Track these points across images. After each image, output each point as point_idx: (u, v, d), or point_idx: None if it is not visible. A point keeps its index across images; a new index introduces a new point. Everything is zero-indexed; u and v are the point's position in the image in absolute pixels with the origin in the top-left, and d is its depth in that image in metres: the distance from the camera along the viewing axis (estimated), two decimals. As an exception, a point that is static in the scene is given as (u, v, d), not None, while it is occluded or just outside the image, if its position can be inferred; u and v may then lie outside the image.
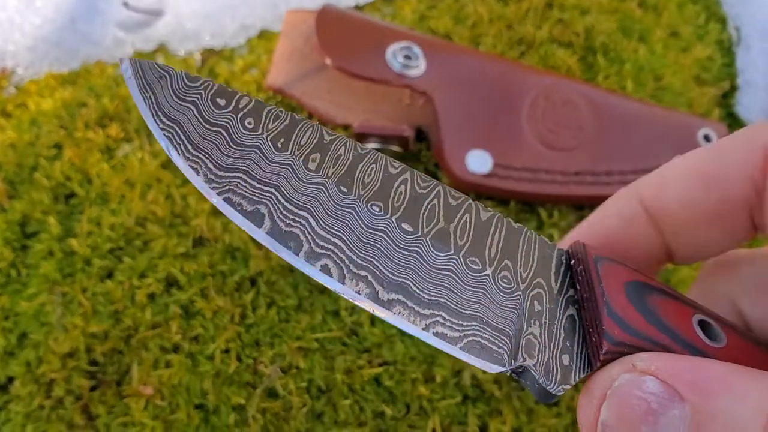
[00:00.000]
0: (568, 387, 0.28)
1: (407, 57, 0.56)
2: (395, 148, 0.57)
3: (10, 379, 0.53)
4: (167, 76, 0.31)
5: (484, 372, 0.52)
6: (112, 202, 0.57)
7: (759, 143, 0.24)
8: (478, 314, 0.29)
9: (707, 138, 0.60)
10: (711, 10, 0.74)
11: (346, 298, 0.28)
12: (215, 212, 0.56)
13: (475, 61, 0.58)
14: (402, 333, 0.53)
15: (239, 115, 0.31)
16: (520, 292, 0.30)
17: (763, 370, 0.23)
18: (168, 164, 0.58)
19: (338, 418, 0.51)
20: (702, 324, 0.29)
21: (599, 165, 0.57)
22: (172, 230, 0.55)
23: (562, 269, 0.31)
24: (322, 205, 0.30)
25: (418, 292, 0.29)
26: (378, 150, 0.53)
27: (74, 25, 0.66)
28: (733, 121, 0.71)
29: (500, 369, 0.28)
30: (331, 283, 0.28)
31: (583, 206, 0.59)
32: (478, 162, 0.56)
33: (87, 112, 0.61)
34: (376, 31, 0.57)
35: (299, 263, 0.29)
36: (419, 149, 0.60)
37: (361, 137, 0.56)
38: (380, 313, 0.28)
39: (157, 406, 0.51)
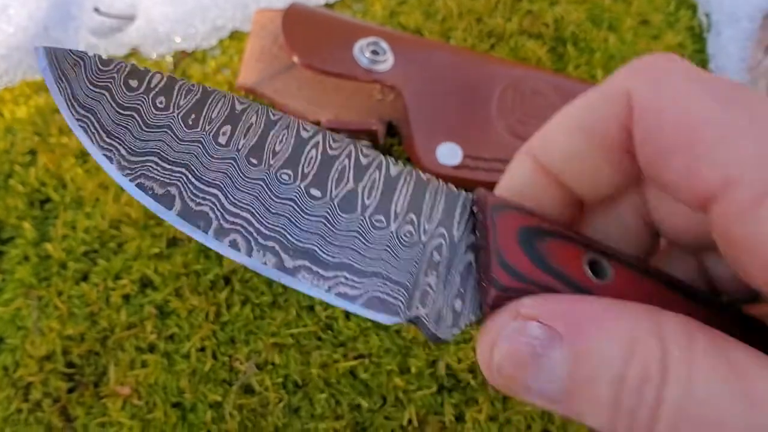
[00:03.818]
0: (457, 332, 0.29)
1: (375, 52, 0.56)
2: (365, 142, 0.57)
3: (-12, 384, 0.53)
4: (81, 63, 0.30)
5: (459, 361, 0.53)
6: (86, 206, 0.57)
7: (622, 90, 0.25)
8: (380, 270, 0.30)
9: (676, 123, 0.60)
10: (681, -3, 0.74)
11: (254, 269, 0.29)
12: (188, 212, 0.56)
13: (443, 54, 0.59)
14: (377, 326, 0.54)
15: (150, 95, 0.30)
16: (421, 245, 0.31)
17: (631, 302, 0.24)
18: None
19: (315, 412, 0.52)
20: (592, 263, 0.30)
21: (569, 153, 0.58)
22: (146, 232, 0.56)
23: (466, 217, 0.32)
24: (232, 180, 0.30)
25: (323, 256, 0.29)
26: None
27: (47, 33, 0.66)
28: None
29: (396, 320, 0.29)
30: (239, 257, 0.29)
31: (555, 195, 0.60)
32: (448, 154, 0.56)
33: (61, 118, 0.62)
34: (343, 28, 0.57)
35: (209, 241, 0.29)
36: (390, 144, 0.61)
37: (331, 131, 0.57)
38: (285, 280, 0.29)
39: (134, 405, 0.51)
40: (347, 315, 0.54)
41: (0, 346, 0.54)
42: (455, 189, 0.32)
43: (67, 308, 0.53)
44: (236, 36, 0.68)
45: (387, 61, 0.57)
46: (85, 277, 0.55)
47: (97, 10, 0.66)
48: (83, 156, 0.60)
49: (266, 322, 0.53)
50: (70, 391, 0.52)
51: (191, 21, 0.66)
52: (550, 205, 0.30)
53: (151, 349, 0.53)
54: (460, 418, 0.53)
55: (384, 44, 0.56)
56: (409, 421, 0.52)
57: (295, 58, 0.54)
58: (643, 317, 0.23)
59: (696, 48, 0.72)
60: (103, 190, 0.57)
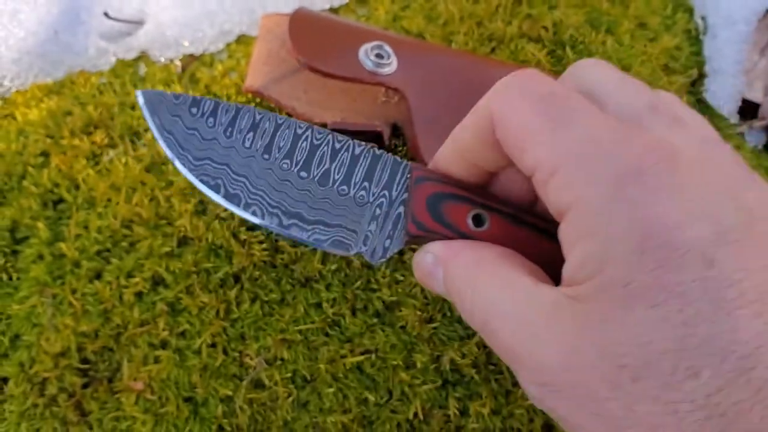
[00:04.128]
0: (384, 260, 0.44)
1: (379, 56, 0.57)
2: (370, 144, 0.59)
3: (5, 380, 0.54)
4: (163, 98, 0.46)
5: (463, 356, 0.55)
6: (98, 206, 0.59)
7: (487, 107, 0.38)
8: (341, 223, 0.45)
9: (673, 124, 0.62)
10: (678, 1, 0.76)
11: (263, 226, 0.44)
12: (198, 212, 0.58)
13: (445, 57, 0.60)
14: (382, 322, 0.55)
15: (205, 118, 0.45)
16: (369, 203, 0.45)
17: (477, 243, 0.41)
18: (151, 168, 0.60)
19: (323, 406, 0.53)
20: (475, 216, 0.43)
21: (569, 154, 0.59)
22: (157, 231, 0.57)
23: (404, 180, 0.46)
24: (253, 171, 0.45)
25: (306, 216, 0.44)
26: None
27: (57, 37, 0.68)
28: (703, 108, 0.73)
29: (347, 254, 0.44)
30: (256, 220, 0.44)
31: (555, 194, 0.61)
32: (451, 155, 0.58)
33: (72, 120, 0.63)
34: (348, 32, 0.59)
35: (239, 211, 0.44)
36: (395, 144, 0.62)
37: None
38: (280, 231, 0.44)
39: (147, 400, 0.53)
40: (354, 312, 0.55)
41: (16, 342, 0.55)
42: (400, 160, 0.46)
43: (81, 306, 0.55)
44: (243, 40, 0.69)
45: (391, 65, 0.58)
46: (98, 276, 0.56)
47: (106, 14, 0.67)
48: (95, 158, 0.61)
49: (275, 318, 0.55)
50: (85, 386, 0.53)
51: (199, 26, 0.67)
52: (468, 173, 0.43)
53: (164, 345, 0.54)
54: (464, 411, 0.54)
55: (388, 48, 0.58)
56: (415, 415, 0.53)
57: (302, 62, 0.56)
58: (472, 253, 0.39)
59: (692, 50, 0.74)
60: (114, 191, 0.59)
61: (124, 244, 0.57)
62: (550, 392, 0.34)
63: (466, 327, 0.56)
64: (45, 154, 0.62)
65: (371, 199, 0.45)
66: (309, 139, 0.46)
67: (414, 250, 0.47)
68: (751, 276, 0.30)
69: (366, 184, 0.46)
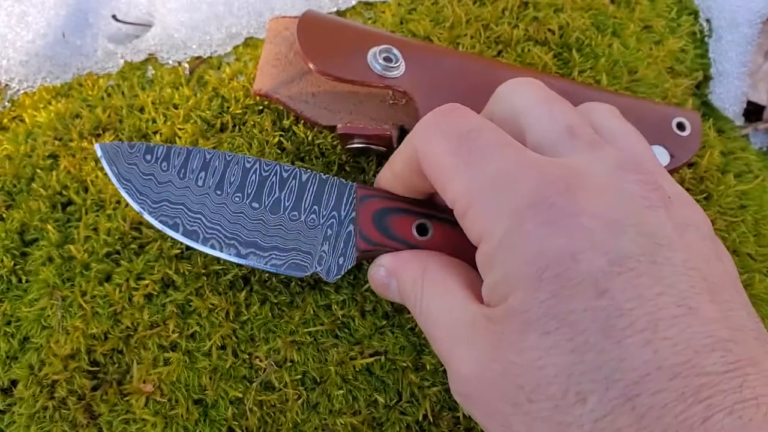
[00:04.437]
0: (338, 277, 0.49)
1: (387, 59, 0.58)
2: (379, 146, 0.59)
3: (14, 383, 0.54)
4: (119, 150, 0.51)
5: (472, 358, 0.55)
6: (107, 209, 0.59)
7: (413, 142, 0.42)
8: (295, 247, 0.49)
9: (681, 126, 0.62)
10: (683, 4, 0.76)
11: (222, 257, 0.49)
12: (207, 214, 0.58)
13: (452, 60, 0.61)
14: (391, 324, 0.55)
15: (159, 163, 0.50)
16: (320, 225, 0.49)
17: (423, 252, 0.46)
18: (160, 170, 0.60)
19: (333, 407, 0.53)
20: (419, 226, 0.47)
21: (576, 156, 0.60)
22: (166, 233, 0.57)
23: (351, 200, 0.50)
24: (207, 207, 0.49)
25: (261, 243, 0.49)
26: (363, 149, 0.57)
27: (65, 39, 0.68)
28: (708, 110, 0.73)
29: (303, 275, 0.49)
30: (215, 253, 0.49)
31: (563, 196, 0.62)
32: (460, 157, 0.58)
33: (81, 122, 0.63)
34: (356, 36, 0.59)
35: (199, 247, 0.49)
36: (403, 147, 0.63)
37: (346, 137, 0.58)
38: (239, 261, 0.49)
39: (157, 402, 0.53)
40: (363, 314, 0.55)
41: (25, 345, 0.55)
42: (344, 182, 0.51)
43: (90, 308, 0.55)
44: (251, 43, 0.69)
45: (399, 68, 0.58)
46: (108, 278, 0.56)
47: (114, 17, 0.67)
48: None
49: (284, 320, 0.55)
50: (95, 389, 0.54)
51: (206, 28, 0.68)
52: (408, 193, 0.48)
53: (173, 347, 0.54)
54: (473, 413, 0.54)
55: (396, 51, 0.58)
56: (424, 417, 0.53)
57: (311, 66, 0.56)
58: (419, 262, 0.44)
59: (697, 53, 0.74)
60: (123, 193, 0.59)
61: (133, 246, 0.57)
62: (466, 400, 0.37)
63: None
64: (54, 157, 0.62)
65: (322, 221, 0.49)
66: (258, 172, 0.50)
67: (369, 264, 0.51)
68: (644, 304, 0.31)
69: (315, 207, 0.50)
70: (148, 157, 0.50)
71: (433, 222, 0.49)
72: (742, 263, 0.63)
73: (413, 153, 0.41)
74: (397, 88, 0.58)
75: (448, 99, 0.59)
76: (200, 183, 0.49)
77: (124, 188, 0.50)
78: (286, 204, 0.50)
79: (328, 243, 0.49)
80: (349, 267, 0.49)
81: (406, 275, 0.43)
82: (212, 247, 0.49)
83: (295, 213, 0.49)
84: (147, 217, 0.49)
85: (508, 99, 0.44)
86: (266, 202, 0.49)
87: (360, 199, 0.49)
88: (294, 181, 0.50)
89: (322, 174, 0.52)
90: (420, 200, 0.52)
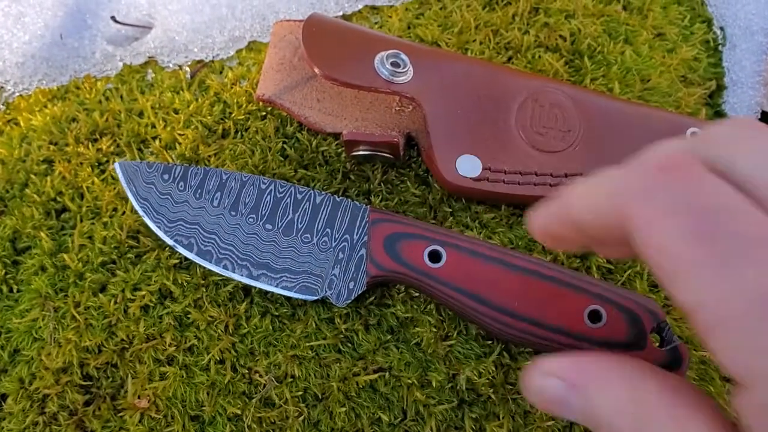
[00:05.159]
0: (349, 301, 0.49)
1: (395, 64, 0.56)
2: (386, 154, 0.57)
3: (3, 396, 0.52)
4: (138, 168, 0.52)
5: (479, 375, 0.53)
6: (104, 216, 0.57)
7: (619, 210, 0.29)
8: (306, 269, 0.49)
9: (695, 137, 0.60)
10: (696, 11, 0.74)
11: (234, 278, 0.50)
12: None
13: (462, 66, 0.59)
14: (396, 339, 0.53)
15: (176, 182, 0.51)
16: (332, 249, 0.49)
17: (605, 358, 0.32)
18: (159, 176, 0.58)
19: (335, 425, 0.51)
20: (432, 252, 0.47)
21: (589, 167, 0.58)
22: (164, 242, 0.55)
23: (364, 223, 0.50)
24: (222, 228, 0.50)
25: (273, 265, 0.49)
26: (369, 156, 0.54)
27: (63, 41, 0.66)
28: (721, 119, 0.71)
29: (313, 298, 0.49)
30: (228, 274, 0.50)
31: (574, 208, 0.60)
32: (468, 167, 0.56)
33: (77, 126, 0.62)
34: (363, 40, 0.57)
35: (212, 267, 0.50)
36: (410, 156, 0.61)
37: (351, 144, 0.56)
38: (251, 282, 0.50)
39: (152, 418, 0.51)
40: (367, 328, 0.53)
41: (16, 357, 0.53)
42: (358, 204, 0.51)
43: (84, 319, 0.53)
44: (254, 47, 0.67)
45: (407, 73, 0.56)
46: (102, 288, 0.54)
47: (114, 18, 0.66)
48: (100, 165, 0.60)
49: (285, 334, 0.53)
50: (87, 403, 0.51)
51: (209, 31, 0.66)
52: (587, 240, 0.34)
53: (170, 361, 0.52)
54: (480, 432, 0.52)
55: (404, 56, 0.56)
56: (430, 436, 0.51)
57: (317, 70, 0.54)
58: (621, 373, 0.31)
59: (711, 61, 0.72)
60: (120, 200, 0.57)
61: (130, 255, 0.55)
62: None
63: (482, 345, 0.54)
64: (48, 162, 0.60)
65: (334, 244, 0.49)
66: (273, 193, 0.51)
67: (381, 287, 0.50)
68: None
69: (328, 230, 0.50)
70: (166, 176, 0.51)
71: (446, 248, 0.48)
72: (758, 278, 0.61)
73: (617, 211, 0.30)
74: (405, 95, 0.56)
75: (458, 106, 0.58)
76: (216, 203, 0.50)
77: (141, 207, 0.50)
78: (299, 226, 0.50)
79: (339, 266, 0.49)
80: (360, 292, 0.49)
81: (606, 394, 0.31)
82: (225, 267, 0.49)
83: (308, 235, 0.50)
84: (162, 236, 0.50)
85: (728, 153, 0.29)
86: (280, 224, 0.50)
87: (372, 223, 0.50)
88: (308, 204, 0.51)
89: (336, 196, 0.52)
90: (433, 225, 0.51)
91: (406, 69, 0.56)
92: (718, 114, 0.72)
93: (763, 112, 0.75)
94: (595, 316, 0.50)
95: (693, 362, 0.56)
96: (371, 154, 0.57)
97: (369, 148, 0.56)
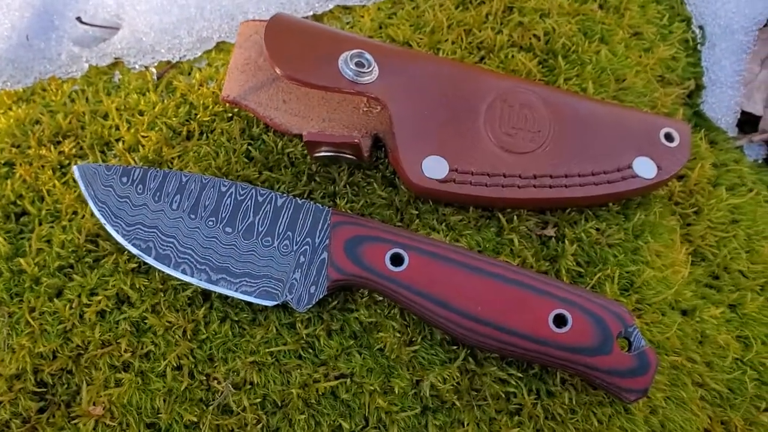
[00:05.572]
0: (309, 306, 0.48)
1: (359, 64, 0.55)
2: (349, 155, 0.56)
3: (-43, 403, 0.51)
4: (96, 172, 0.50)
5: (444, 381, 0.51)
6: (63, 220, 0.56)
7: None
8: (267, 273, 0.47)
9: (669, 137, 0.59)
10: (675, 10, 0.73)
11: (193, 283, 0.49)
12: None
13: (430, 66, 0.58)
14: (359, 344, 0.52)
15: (135, 185, 0.49)
16: (293, 252, 0.48)
17: None
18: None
19: (294, 433, 0.50)
20: (393, 255, 0.46)
21: (559, 168, 0.56)
22: (123, 246, 0.54)
23: (326, 226, 0.48)
24: (181, 231, 0.48)
25: (233, 269, 0.47)
26: (333, 157, 0.53)
27: (29, 42, 0.65)
28: (700, 120, 0.70)
29: (274, 303, 0.48)
30: (187, 279, 0.48)
31: (544, 210, 0.58)
32: (434, 168, 0.55)
33: (40, 129, 0.61)
34: (327, 40, 0.56)
35: (170, 271, 0.48)
36: (377, 157, 0.60)
37: (313, 145, 0.55)
38: (210, 287, 0.48)
39: (107, 426, 0.50)
40: (329, 333, 0.52)
41: (-30, 363, 0.52)
42: (321, 207, 0.49)
43: (39, 325, 0.52)
44: (224, 48, 0.66)
45: (372, 73, 0.55)
46: (59, 293, 0.53)
47: (79, 19, 0.65)
48: (62, 168, 0.59)
49: (245, 340, 0.52)
50: (41, 411, 0.50)
51: (177, 32, 0.65)
52: None
53: (126, 367, 0.51)
54: (444, 440, 0.51)
55: (368, 56, 0.55)
56: (392, 444, 0.50)
57: (278, 70, 0.53)
58: None
59: (690, 61, 0.71)
60: (81, 203, 0.56)
61: (88, 259, 0.54)
62: None
63: (447, 350, 0.53)
64: (10, 164, 0.59)
65: (295, 248, 0.49)
66: (233, 196, 0.50)
67: (344, 292, 0.50)
68: None
69: (290, 233, 0.49)
70: (125, 179, 0.50)
71: (409, 252, 0.47)
72: (733, 281, 0.60)
73: None
74: (369, 95, 0.55)
75: (425, 106, 0.57)
76: (175, 206, 0.49)
77: (99, 210, 0.50)
78: (260, 229, 0.49)
79: (300, 270, 0.48)
80: (321, 297, 0.48)
81: None
82: (183, 272, 0.48)
83: (269, 239, 0.49)
84: (120, 240, 0.49)
85: None
86: (240, 227, 0.49)
87: (333, 226, 0.49)
88: (269, 206, 0.50)
89: (298, 199, 0.51)
90: (396, 228, 0.50)
91: (371, 69, 0.55)
92: (697, 114, 0.71)
93: (744, 113, 0.73)
94: (560, 321, 0.49)
95: (664, 367, 0.55)
96: (335, 156, 0.56)
97: (331, 149, 0.55)
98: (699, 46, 0.72)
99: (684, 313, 0.58)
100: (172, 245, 0.48)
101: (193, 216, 0.49)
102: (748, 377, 0.56)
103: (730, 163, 0.67)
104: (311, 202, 0.51)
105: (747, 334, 0.58)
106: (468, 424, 0.51)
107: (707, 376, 0.56)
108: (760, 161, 0.71)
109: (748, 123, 0.73)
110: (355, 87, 0.55)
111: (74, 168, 0.51)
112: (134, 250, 0.49)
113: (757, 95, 0.73)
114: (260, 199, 0.50)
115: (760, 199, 0.65)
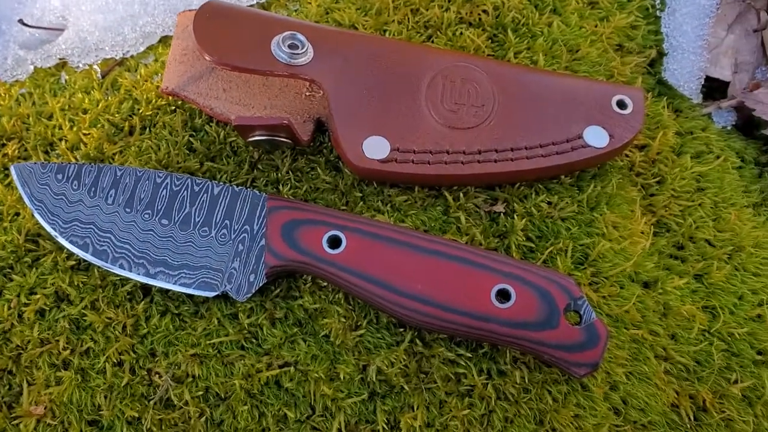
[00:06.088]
0: (249, 295, 0.47)
1: (292, 46, 0.54)
2: (284, 138, 0.55)
3: None
4: (32, 171, 0.50)
5: (391, 365, 0.50)
6: (4, 221, 0.55)
7: None
8: (205, 264, 0.46)
9: (621, 104, 0.57)
10: (633, -22, 0.71)
11: (131, 278, 0.47)
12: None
13: (367, 46, 0.56)
14: (304, 332, 0.51)
15: (70, 182, 0.49)
16: (231, 241, 0.46)
17: None
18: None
19: (238, 425, 0.49)
20: (331, 238, 0.45)
21: (504, 141, 0.55)
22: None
23: (263, 213, 0.47)
24: (117, 225, 0.47)
25: (171, 261, 0.46)
26: (269, 141, 0.52)
27: (-25, 49, 0.65)
28: (664, 88, 0.68)
29: (213, 294, 0.47)
30: (125, 273, 0.47)
31: (493, 186, 0.57)
32: (375, 148, 0.54)
33: (-16, 133, 0.60)
34: (259, 23, 0.55)
35: (108, 266, 0.47)
36: (321, 141, 0.58)
37: (244, 130, 0.54)
38: (149, 281, 0.47)
39: (48, 425, 0.49)
40: (273, 322, 0.51)
41: None
42: (258, 193, 0.48)
43: (-21, 327, 0.51)
44: (169, 42, 0.66)
45: (306, 54, 0.54)
46: (-2, 294, 0.53)
47: (21, 21, 0.64)
48: (5, 170, 0.58)
49: (186, 332, 0.51)
50: (-18, 413, 0.50)
51: (120, 29, 0.64)
52: None
53: (66, 365, 0.50)
54: (394, 425, 0.49)
55: (301, 37, 0.54)
56: (339, 431, 0.48)
57: (207, 56, 0.52)
58: None
59: (651, 29, 0.69)
60: (22, 204, 0.55)
61: (27, 259, 0.53)
62: None
63: (393, 333, 0.51)
64: (-46, 169, 0.59)
65: (233, 236, 0.47)
66: (168, 187, 0.49)
67: (287, 279, 0.48)
68: None
69: (227, 222, 0.48)
70: (60, 176, 0.50)
71: (346, 233, 0.46)
72: (698, 251, 0.58)
73: None
74: (304, 77, 0.54)
75: (363, 86, 0.55)
76: (110, 201, 0.48)
77: (36, 209, 0.49)
78: (197, 219, 0.48)
79: (239, 259, 0.47)
80: (261, 285, 0.47)
81: None
82: (121, 267, 0.48)
83: (206, 228, 0.48)
84: (57, 237, 0.49)
85: None
86: (176, 218, 0.48)
87: (269, 211, 0.48)
88: (206, 195, 0.49)
89: (235, 186, 0.50)
90: (335, 210, 0.49)
91: (305, 50, 0.54)
92: (661, 83, 0.68)
93: (712, 79, 0.71)
94: (503, 295, 0.47)
95: (624, 341, 0.53)
96: (270, 139, 0.55)
97: (264, 133, 0.54)
98: (659, 13, 0.70)
99: (646, 285, 0.56)
100: (109, 240, 0.48)
101: (128, 210, 0.48)
102: (715, 348, 0.54)
103: (696, 130, 0.65)
104: (249, 189, 0.50)
105: (714, 304, 0.56)
106: (417, 408, 0.49)
107: (672, 349, 0.53)
108: (729, 127, 0.68)
109: (718, 90, 0.71)
110: (289, 69, 0.54)
111: (11, 168, 0.51)
112: (72, 247, 0.48)
113: (724, 60, 0.71)
114: (196, 188, 0.49)
115: (728, 165, 0.63)
